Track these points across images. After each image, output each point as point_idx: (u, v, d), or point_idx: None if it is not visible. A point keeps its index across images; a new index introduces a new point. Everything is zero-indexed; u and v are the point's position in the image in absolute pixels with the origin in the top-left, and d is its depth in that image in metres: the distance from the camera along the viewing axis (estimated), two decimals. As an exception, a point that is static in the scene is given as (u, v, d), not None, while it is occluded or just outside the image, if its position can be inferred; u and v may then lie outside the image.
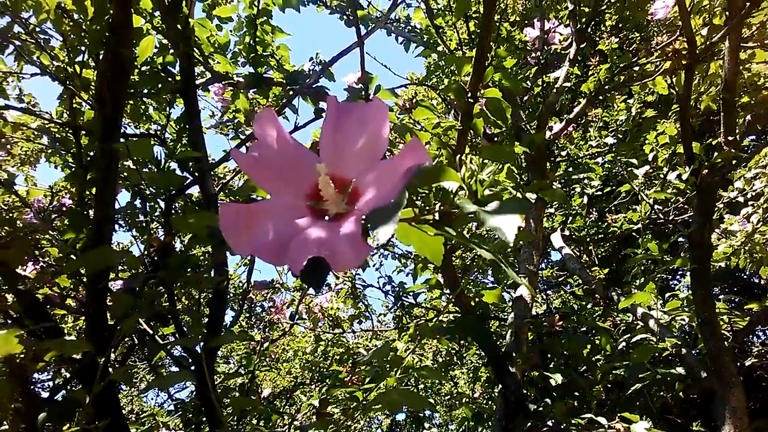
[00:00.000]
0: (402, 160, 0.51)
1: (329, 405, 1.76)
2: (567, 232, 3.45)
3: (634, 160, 2.78)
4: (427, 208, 0.62)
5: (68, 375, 1.89)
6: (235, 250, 0.51)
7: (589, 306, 3.03)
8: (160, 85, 1.90)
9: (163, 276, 1.21)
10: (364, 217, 0.50)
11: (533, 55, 2.77)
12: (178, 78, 1.90)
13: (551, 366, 2.29)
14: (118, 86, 1.41)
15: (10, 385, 1.03)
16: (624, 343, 2.30)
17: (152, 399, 5.74)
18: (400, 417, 5.39)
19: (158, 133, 2.34)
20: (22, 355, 1.12)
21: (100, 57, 1.78)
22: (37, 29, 1.96)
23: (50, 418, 1.02)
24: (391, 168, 0.51)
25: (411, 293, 3.58)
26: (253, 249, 0.50)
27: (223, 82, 2.13)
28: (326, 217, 0.54)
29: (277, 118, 0.56)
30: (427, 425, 4.58)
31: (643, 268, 2.82)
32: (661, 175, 2.65)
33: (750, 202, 2.59)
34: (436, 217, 0.61)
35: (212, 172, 2.08)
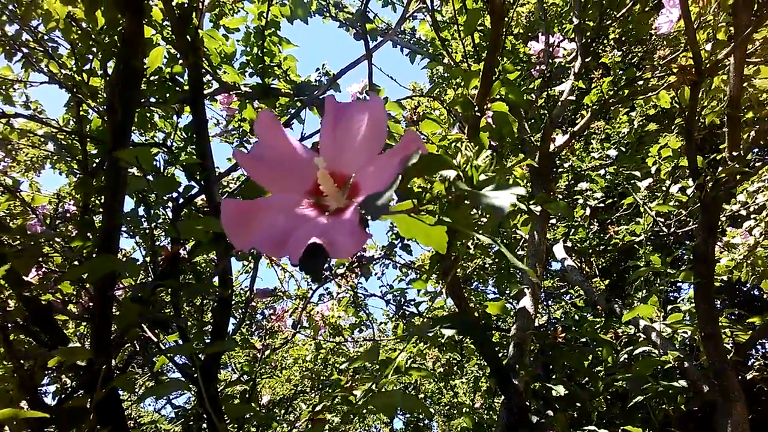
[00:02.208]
0: (398, 151, 0.52)
1: (326, 411, 1.76)
2: (569, 244, 3.46)
3: (637, 173, 2.79)
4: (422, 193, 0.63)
5: (68, 382, 1.89)
6: (235, 245, 0.51)
7: (590, 317, 3.04)
8: (168, 95, 1.92)
9: (172, 285, 1.22)
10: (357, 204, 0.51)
11: (537, 68, 2.79)
12: (186, 87, 1.91)
13: (554, 377, 2.29)
14: (129, 96, 1.42)
15: (20, 393, 1.04)
16: (626, 355, 2.30)
17: (150, 405, 5.73)
18: (398, 425, 5.37)
19: (164, 141, 2.36)
20: (31, 363, 1.13)
21: (110, 67, 1.80)
22: (46, 37, 1.98)
23: (59, 425, 1.02)
24: (388, 160, 0.52)
25: (412, 302, 3.58)
26: (254, 243, 0.51)
27: (231, 92, 2.14)
28: (327, 213, 0.55)
29: (276, 119, 0.57)
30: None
31: (645, 280, 2.82)
32: (664, 188, 2.67)
33: (752, 216, 2.60)
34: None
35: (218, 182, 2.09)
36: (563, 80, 2.73)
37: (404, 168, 0.49)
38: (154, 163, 1.44)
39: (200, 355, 1.42)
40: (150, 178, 1.18)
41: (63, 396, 1.46)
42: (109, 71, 1.84)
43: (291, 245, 0.48)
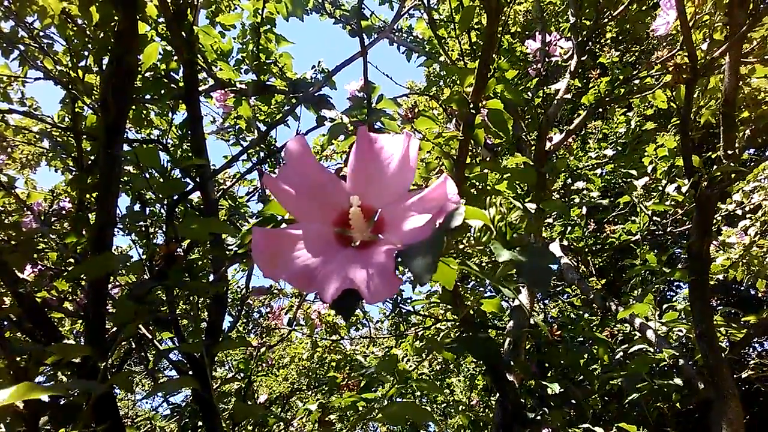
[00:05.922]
0: (432, 195, 0.52)
1: (329, 413, 1.76)
2: (566, 242, 3.46)
3: (634, 171, 2.79)
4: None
5: (65, 379, 1.89)
6: (264, 275, 0.52)
7: (586, 316, 3.04)
8: (163, 91, 1.91)
9: (169, 284, 1.22)
10: (392, 247, 0.51)
11: (534, 66, 2.79)
12: (181, 84, 1.91)
13: (549, 375, 2.29)
14: (123, 92, 1.42)
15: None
16: (621, 354, 2.30)
17: (146, 403, 5.70)
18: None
19: (160, 138, 2.35)
20: (25, 359, 1.13)
21: (105, 63, 1.79)
22: (41, 34, 1.97)
23: (52, 421, 1.02)
24: (421, 202, 0.52)
25: (408, 300, 3.59)
26: (285, 275, 0.51)
27: (226, 89, 2.14)
28: (352, 244, 0.55)
29: (308, 145, 0.56)
30: (423, 433, 4.57)
31: (641, 279, 2.83)
32: (660, 188, 2.67)
33: (748, 215, 2.61)
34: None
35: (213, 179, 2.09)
36: (560, 79, 2.73)
37: (446, 222, 0.49)
38: (161, 163, 1.44)
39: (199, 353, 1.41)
40: (148, 176, 1.17)
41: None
42: (105, 68, 1.83)
43: (320, 281, 0.49)
